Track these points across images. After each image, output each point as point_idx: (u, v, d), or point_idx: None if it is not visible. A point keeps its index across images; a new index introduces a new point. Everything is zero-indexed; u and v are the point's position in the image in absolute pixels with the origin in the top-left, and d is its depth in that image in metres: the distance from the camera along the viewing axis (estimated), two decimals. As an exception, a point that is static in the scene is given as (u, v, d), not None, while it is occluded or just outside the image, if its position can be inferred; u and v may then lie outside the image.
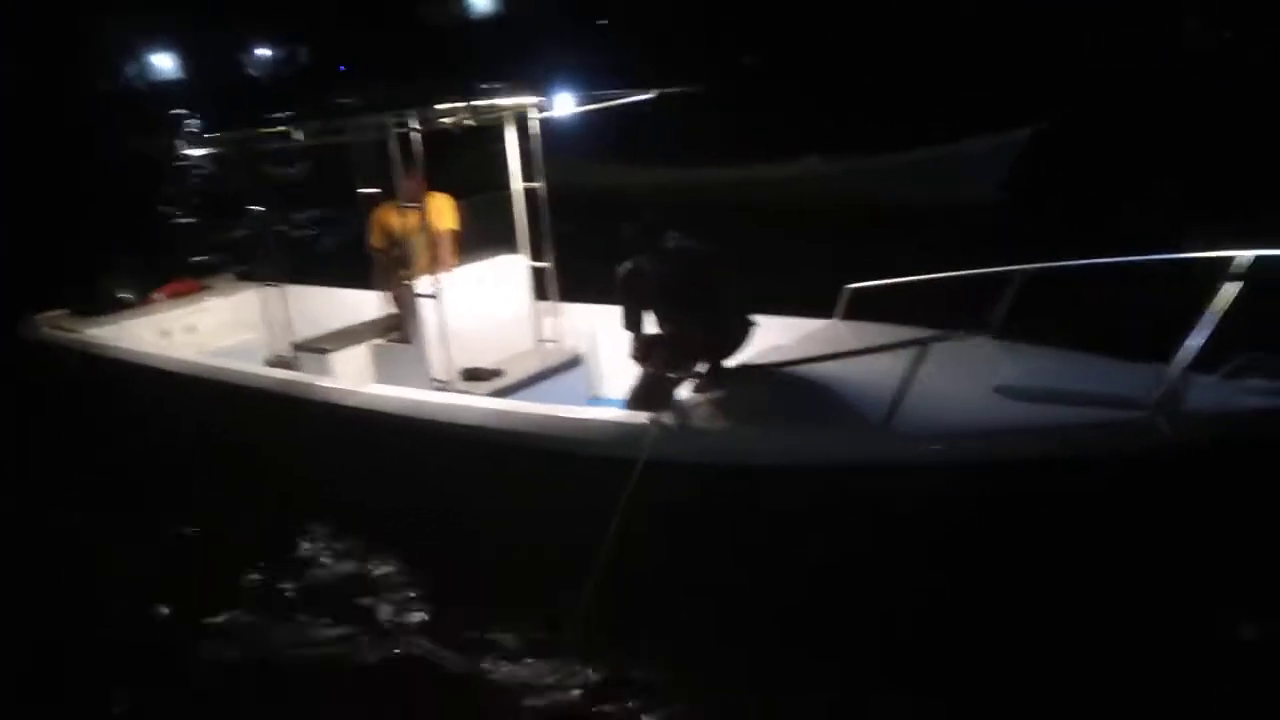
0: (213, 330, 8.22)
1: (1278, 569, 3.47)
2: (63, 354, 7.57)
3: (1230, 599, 3.64)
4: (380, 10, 43.62)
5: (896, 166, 12.12)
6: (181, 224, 6.20)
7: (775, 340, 5.26)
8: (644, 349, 4.48)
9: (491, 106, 5.84)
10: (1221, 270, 3.62)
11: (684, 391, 4.37)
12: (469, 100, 5.49)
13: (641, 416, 4.18)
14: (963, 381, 3.89)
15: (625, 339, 4.62)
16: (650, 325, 4.61)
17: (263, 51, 51.75)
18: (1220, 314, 3.32)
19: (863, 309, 5.25)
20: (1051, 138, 9.97)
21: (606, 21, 36.76)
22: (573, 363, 6.08)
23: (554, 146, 6.02)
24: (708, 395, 4.28)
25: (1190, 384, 3.45)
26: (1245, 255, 3.50)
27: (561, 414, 4.52)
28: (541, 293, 6.43)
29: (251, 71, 50.26)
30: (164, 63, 50.86)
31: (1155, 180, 9.61)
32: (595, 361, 6.44)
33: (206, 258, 9.37)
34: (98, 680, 4.46)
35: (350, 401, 5.27)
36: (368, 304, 7.34)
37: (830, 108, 16.48)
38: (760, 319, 4.72)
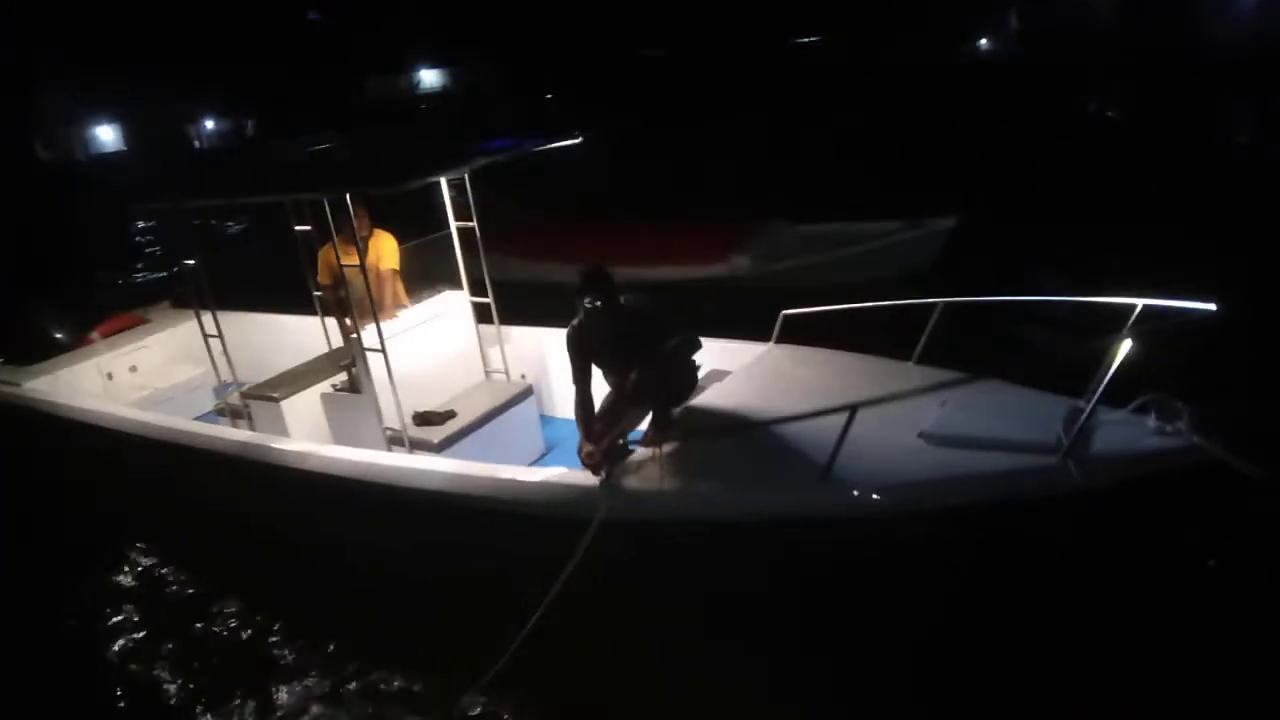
0: (156, 368, 8.17)
1: (1178, 596, 3.84)
2: (2, 410, 7.46)
3: (1136, 627, 4.00)
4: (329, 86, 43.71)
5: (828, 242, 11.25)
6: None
7: (716, 363, 5.51)
8: (585, 415, 4.65)
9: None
10: (1122, 316, 3.96)
11: (631, 447, 4.56)
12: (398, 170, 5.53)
13: (588, 477, 4.36)
14: (890, 428, 4.13)
15: (571, 395, 4.77)
16: (597, 378, 4.79)
17: (208, 124, 51.22)
18: (1119, 359, 3.60)
19: (795, 333, 5.50)
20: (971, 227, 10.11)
21: (550, 96, 37.96)
22: (524, 394, 6.24)
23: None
24: (654, 450, 4.48)
25: (1097, 423, 3.76)
26: (1139, 303, 3.86)
27: (514, 476, 4.66)
28: (485, 321, 6.54)
29: (196, 143, 50.10)
30: (106, 135, 49.56)
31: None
32: (545, 384, 6.61)
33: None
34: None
35: (307, 465, 5.33)
36: (307, 332, 7.36)
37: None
38: (702, 340, 4.95)
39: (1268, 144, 15.96)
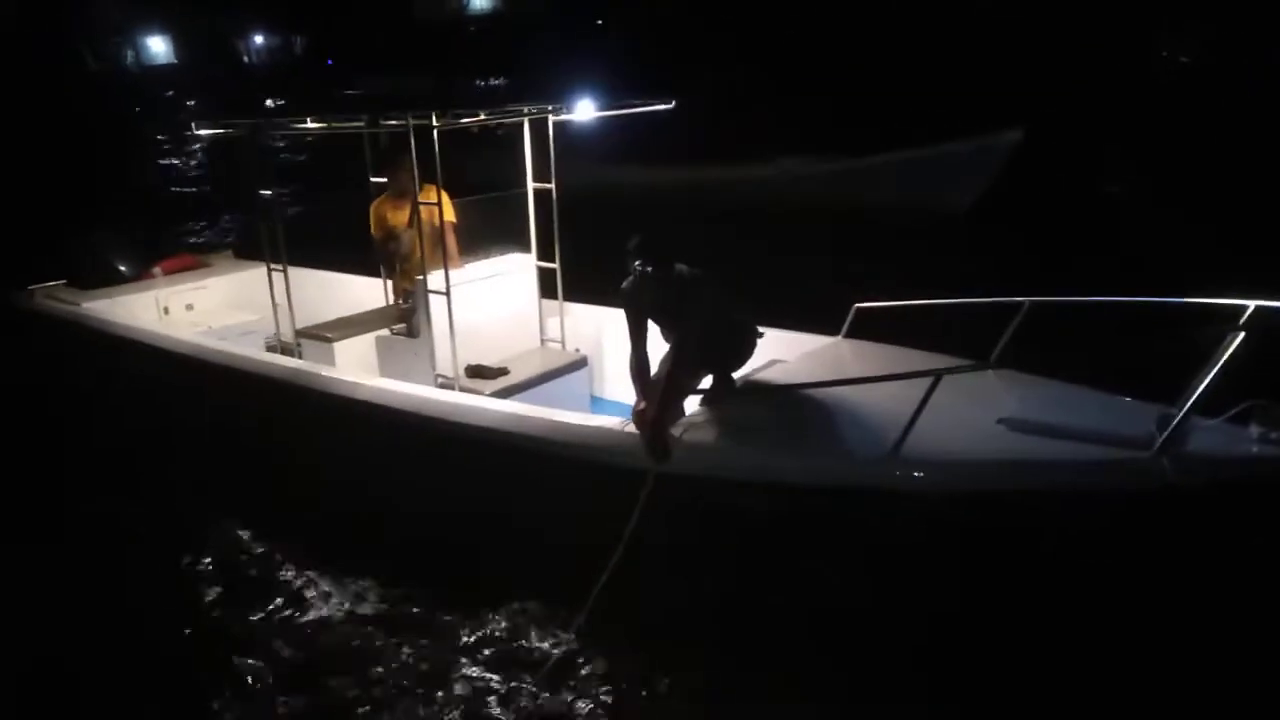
0: (211, 309, 8.18)
1: (1267, 610, 3.58)
2: (59, 326, 7.50)
3: (1223, 637, 3.73)
4: (377, 5, 43.62)
5: (877, 169, 11.86)
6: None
7: (779, 355, 5.34)
8: (640, 371, 4.50)
9: (511, 111, 5.87)
10: (1226, 318, 3.74)
11: (692, 405, 4.42)
12: (486, 99, 5.50)
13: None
14: (967, 412, 3.95)
15: (627, 353, 4.63)
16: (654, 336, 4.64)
17: (258, 39, 51.37)
18: (1222, 361, 3.40)
19: (868, 328, 5.33)
20: (1033, 145, 9.98)
21: (602, 22, 37.69)
22: (578, 364, 6.12)
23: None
24: (716, 409, 4.34)
25: (1193, 428, 3.54)
26: (1247, 304, 3.64)
27: (573, 421, 4.56)
28: (547, 293, 6.46)
29: (245, 59, 50.08)
30: (157, 46, 50.29)
31: (1127, 188, 9.73)
32: (599, 363, 6.49)
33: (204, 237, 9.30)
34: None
35: (357, 394, 5.26)
36: (368, 290, 7.37)
37: (810, 109, 16.46)
38: (766, 331, 4.77)
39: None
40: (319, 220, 10.20)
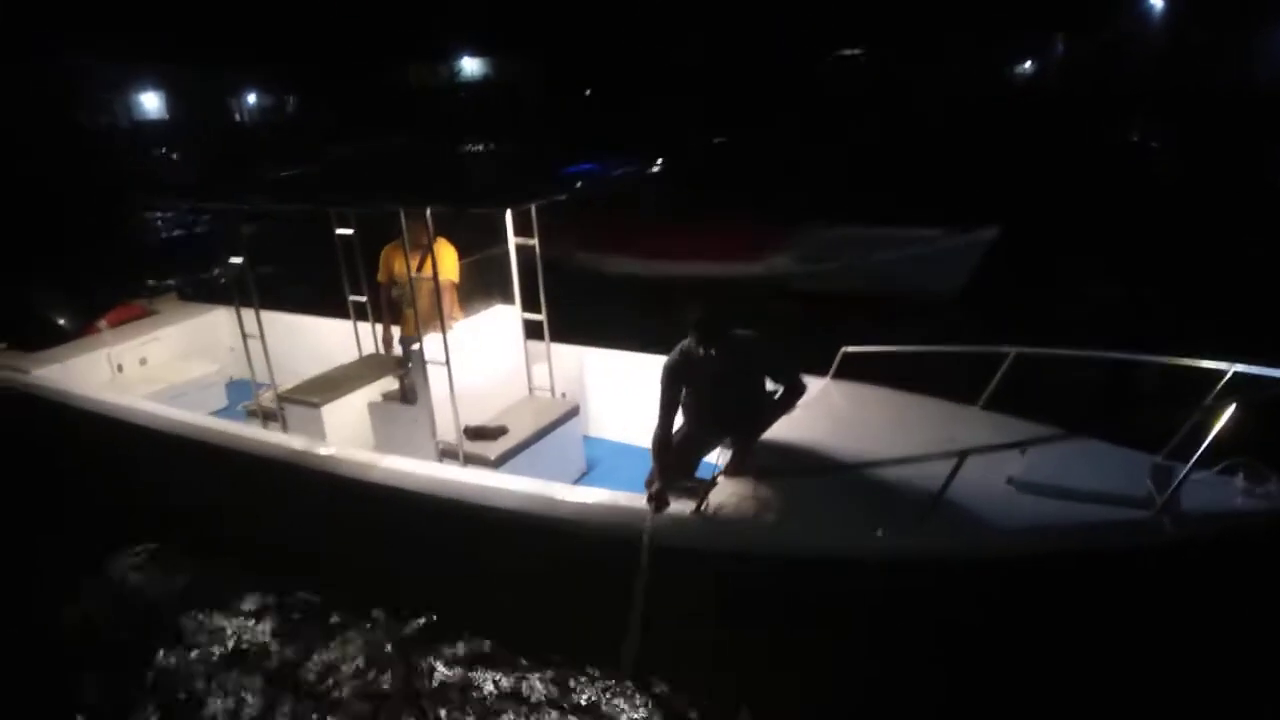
0: (166, 362, 7.95)
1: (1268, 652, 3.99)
2: (13, 401, 7.12)
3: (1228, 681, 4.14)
4: (370, 67, 43.77)
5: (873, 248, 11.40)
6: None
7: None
8: (663, 446, 4.65)
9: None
10: (1210, 381, 4.13)
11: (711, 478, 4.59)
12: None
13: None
14: (977, 471, 4.23)
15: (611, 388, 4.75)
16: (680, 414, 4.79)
17: (250, 99, 50.83)
18: (1220, 424, 3.74)
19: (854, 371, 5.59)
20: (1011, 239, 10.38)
21: (589, 92, 38.86)
22: (571, 413, 6.22)
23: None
24: (740, 480, 4.53)
25: (1184, 482, 3.91)
26: (1226, 368, 4.04)
27: (602, 500, 4.67)
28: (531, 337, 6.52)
29: (238, 117, 49.66)
30: (150, 102, 48.23)
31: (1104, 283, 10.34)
32: (584, 403, 6.61)
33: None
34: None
35: (372, 478, 5.20)
36: (336, 334, 7.26)
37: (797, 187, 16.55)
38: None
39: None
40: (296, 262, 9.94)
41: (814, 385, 5.57)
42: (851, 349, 5.55)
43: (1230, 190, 15.60)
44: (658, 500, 4.36)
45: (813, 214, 12.03)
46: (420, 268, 5.93)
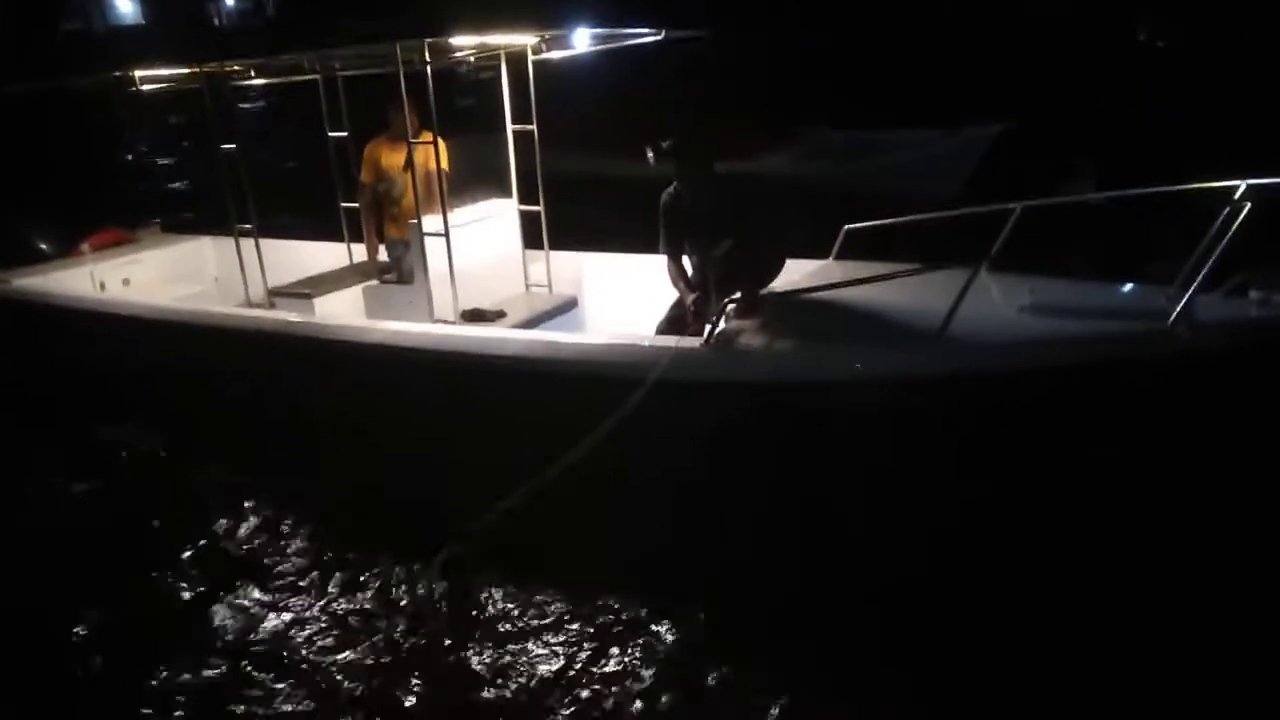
0: (149, 283, 7.77)
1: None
2: None
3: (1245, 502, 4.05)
4: None
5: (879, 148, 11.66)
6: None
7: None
8: (679, 276, 4.60)
9: (485, 45, 5.81)
10: (1218, 198, 4.10)
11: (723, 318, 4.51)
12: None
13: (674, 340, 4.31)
14: (989, 305, 4.21)
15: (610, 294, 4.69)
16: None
17: (229, 1, 47.87)
18: (1229, 234, 3.73)
19: (857, 250, 5.54)
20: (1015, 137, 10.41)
21: None
22: (568, 305, 6.13)
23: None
24: (750, 320, 4.46)
25: (1196, 302, 3.88)
26: (1238, 184, 4.01)
27: (608, 343, 4.59)
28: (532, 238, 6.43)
29: (216, 21, 46.40)
30: (125, 6, 46.36)
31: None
32: (583, 306, 6.51)
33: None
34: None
35: (371, 339, 5.10)
36: (332, 255, 7.16)
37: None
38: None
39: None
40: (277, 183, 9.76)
41: (818, 266, 5.57)
42: (854, 226, 5.51)
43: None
44: (697, 308, 4.26)
45: (816, 112, 11.94)
46: (409, 163, 5.83)
